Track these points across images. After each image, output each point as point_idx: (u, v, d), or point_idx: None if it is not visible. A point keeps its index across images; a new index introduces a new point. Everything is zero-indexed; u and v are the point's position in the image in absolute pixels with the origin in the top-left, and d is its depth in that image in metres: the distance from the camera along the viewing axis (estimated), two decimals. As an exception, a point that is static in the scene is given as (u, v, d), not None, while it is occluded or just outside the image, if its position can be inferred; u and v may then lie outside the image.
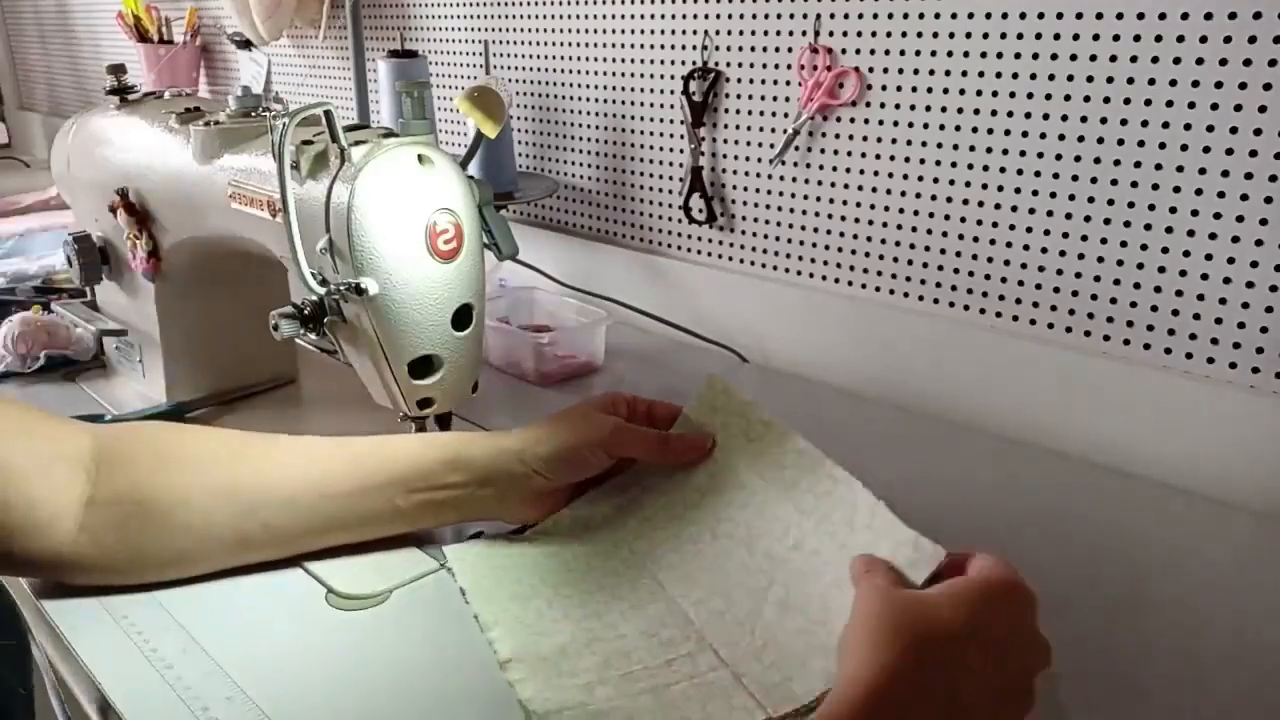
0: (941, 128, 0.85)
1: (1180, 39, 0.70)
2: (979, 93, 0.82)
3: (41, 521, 0.56)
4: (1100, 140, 0.76)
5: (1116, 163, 0.76)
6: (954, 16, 0.82)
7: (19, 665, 0.54)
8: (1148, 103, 0.73)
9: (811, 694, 0.50)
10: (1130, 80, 0.74)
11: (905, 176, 0.88)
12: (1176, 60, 0.71)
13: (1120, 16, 0.73)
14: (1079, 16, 0.75)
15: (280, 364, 0.92)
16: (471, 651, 0.56)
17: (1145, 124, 0.74)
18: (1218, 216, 0.72)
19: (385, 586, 0.61)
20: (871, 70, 0.88)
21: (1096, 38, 0.75)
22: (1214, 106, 0.70)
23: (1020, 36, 0.78)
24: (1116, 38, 0.74)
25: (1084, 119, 0.77)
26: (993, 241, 0.84)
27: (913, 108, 0.86)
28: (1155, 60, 0.72)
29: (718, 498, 0.63)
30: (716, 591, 0.58)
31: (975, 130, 0.83)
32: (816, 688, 0.50)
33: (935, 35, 0.83)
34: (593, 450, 0.63)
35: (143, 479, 0.59)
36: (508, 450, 0.63)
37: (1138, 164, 0.75)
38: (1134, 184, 0.75)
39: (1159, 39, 0.71)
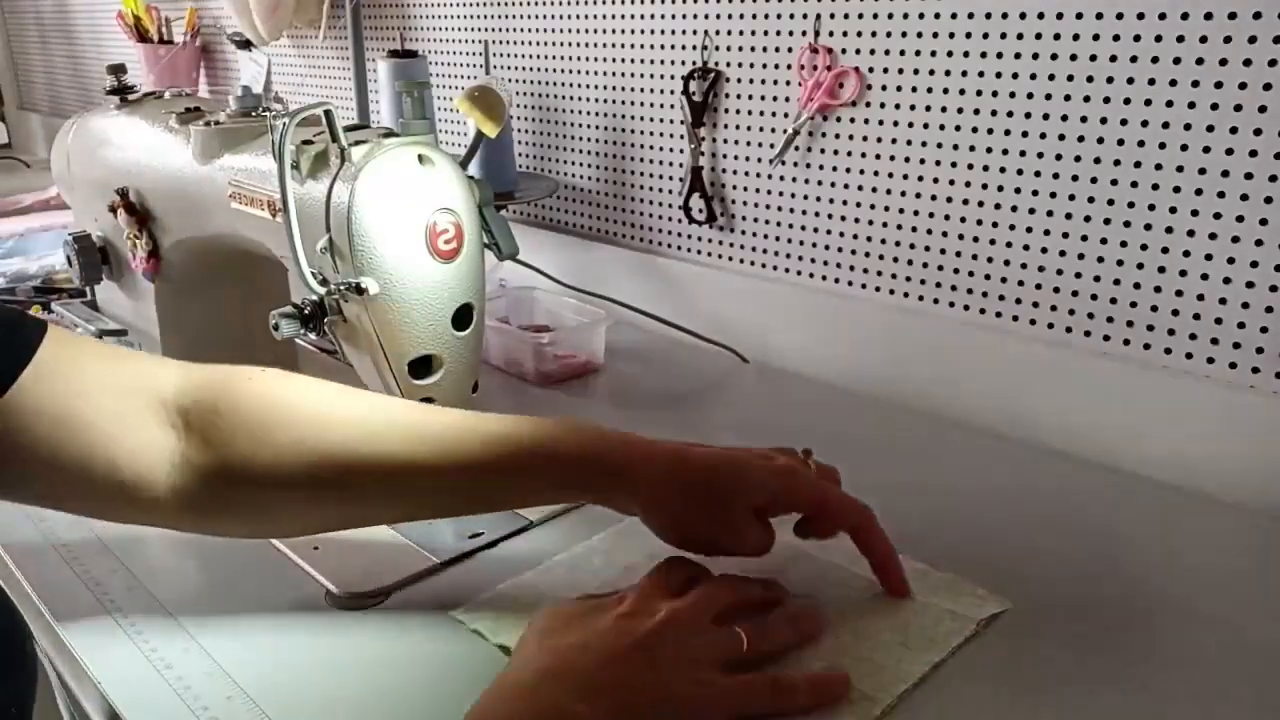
0: (941, 128, 0.85)
1: (1180, 39, 0.70)
2: (979, 93, 0.82)
3: (137, 479, 0.53)
4: (1100, 140, 0.76)
5: (1116, 163, 0.76)
6: (954, 16, 0.82)
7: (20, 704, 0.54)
8: (1148, 103, 0.73)
9: (915, 674, 0.53)
10: (1130, 80, 0.74)
11: (905, 176, 0.88)
12: (1176, 60, 0.71)
13: (1120, 16, 0.73)
14: (1079, 16, 0.75)
15: (280, 364, 0.91)
16: (471, 651, 0.56)
17: (1145, 124, 0.74)
18: (1218, 216, 0.72)
19: (385, 586, 0.61)
20: (871, 70, 0.88)
21: (1096, 38, 0.75)
22: (1214, 106, 0.70)
23: (1020, 36, 0.79)
24: (1116, 38, 0.74)
25: (1084, 119, 0.77)
26: (993, 241, 0.84)
27: (913, 108, 0.86)
28: (1155, 60, 0.72)
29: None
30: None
31: (975, 130, 0.83)
32: (917, 670, 0.53)
33: (935, 35, 0.83)
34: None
35: (237, 453, 0.55)
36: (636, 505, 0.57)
37: (1138, 164, 0.75)
38: (1134, 184, 0.75)
39: (1159, 39, 0.71)
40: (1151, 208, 0.75)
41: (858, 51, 0.89)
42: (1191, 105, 0.71)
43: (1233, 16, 0.68)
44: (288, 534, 0.61)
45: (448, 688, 0.53)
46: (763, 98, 0.97)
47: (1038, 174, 0.80)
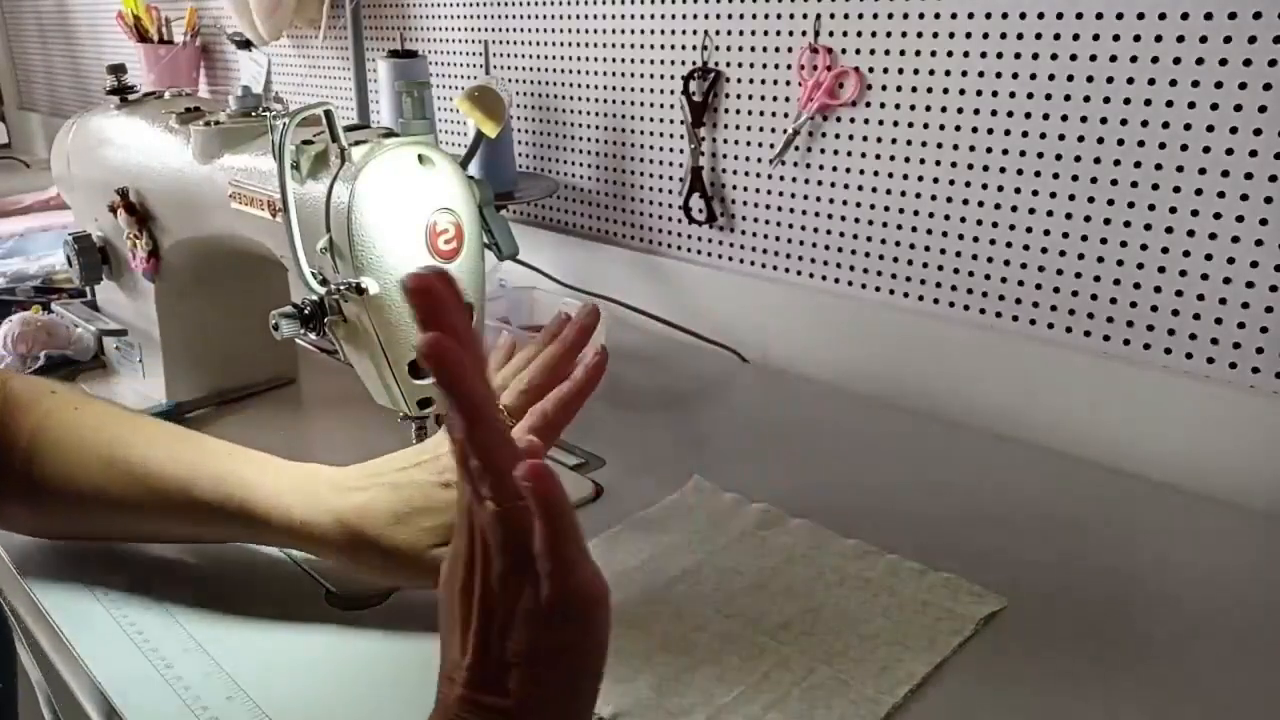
0: (941, 128, 0.85)
1: (1180, 39, 0.70)
2: (979, 93, 0.82)
3: None
4: (1100, 140, 0.76)
5: (1116, 163, 0.76)
6: (954, 16, 0.82)
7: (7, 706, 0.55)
8: (1148, 103, 0.73)
9: (918, 674, 0.53)
10: (1130, 80, 0.74)
11: (905, 176, 0.88)
12: (1176, 60, 0.71)
13: (1120, 16, 0.73)
14: (1079, 16, 0.75)
15: (280, 364, 0.92)
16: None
17: (1145, 124, 0.74)
18: (1218, 216, 0.72)
19: (385, 586, 0.61)
20: (871, 70, 0.88)
21: (1096, 38, 0.75)
22: (1214, 106, 0.70)
23: (1020, 36, 0.79)
24: (1116, 38, 0.74)
25: (1084, 119, 0.77)
26: (993, 241, 0.84)
27: (913, 108, 0.86)
28: (1155, 60, 0.72)
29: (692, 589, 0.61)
30: (763, 618, 0.58)
31: (975, 130, 0.83)
32: (920, 670, 0.53)
33: (935, 35, 0.83)
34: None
35: (36, 471, 0.60)
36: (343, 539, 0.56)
37: (1138, 164, 0.75)
38: (1134, 184, 0.75)
39: (1159, 39, 0.71)
40: (1151, 208, 0.75)
41: (858, 51, 0.89)
42: (1191, 105, 0.71)
43: (1233, 16, 0.68)
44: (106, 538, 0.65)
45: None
46: (763, 98, 0.97)
47: (1038, 174, 0.80)
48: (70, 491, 0.60)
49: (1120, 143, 0.75)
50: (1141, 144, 0.74)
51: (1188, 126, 0.72)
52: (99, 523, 0.62)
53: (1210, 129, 0.71)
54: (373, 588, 0.61)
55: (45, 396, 0.63)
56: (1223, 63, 0.69)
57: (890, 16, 0.86)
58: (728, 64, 0.99)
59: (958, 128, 0.84)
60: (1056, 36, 0.77)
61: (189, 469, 0.59)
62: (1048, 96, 0.78)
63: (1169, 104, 0.72)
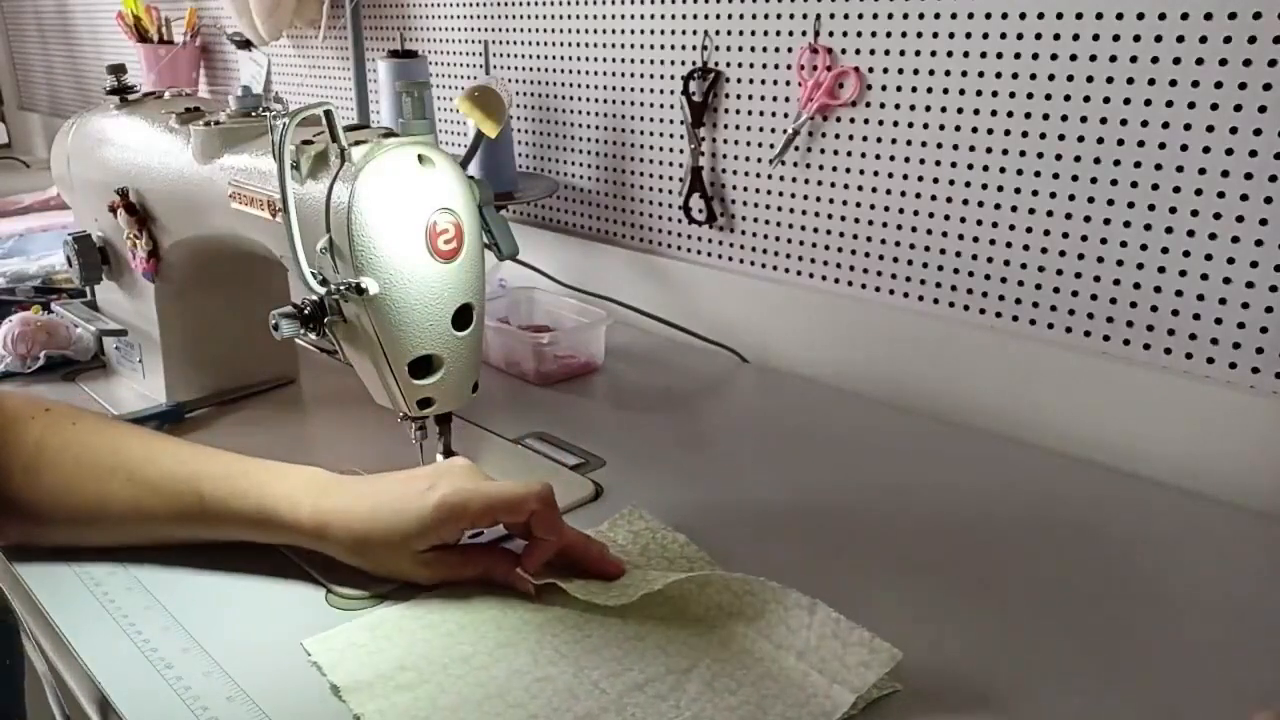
0: (941, 128, 0.85)
1: (1180, 39, 0.70)
2: (979, 93, 0.82)
3: None
4: (1100, 140, 0.76)
5: (1116, 163, 0.76)
6: (954, 16, 0.82)
7: (8, 685, 0.55)
8: (1148, 103, 0.73)
9: None
10: (1130, 80, 0.74)
11: (905, 176, 0.88)
12: (1176, 60, 0.71)
13: (1120, 16, 0.73)
14: (1079, 16, 0.75)
15: (280, 364, 0.92)
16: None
17: (1145, 124, 0.74)
18: (1218, 216, 0.72)
19: (384, 586, 0.61)
20: (871, 70, 0.88)
21: (1096, 38, 0.75)
22: (1214, 106, 0.70)
23: (1020, 36, 0.79)
24: (1116, 38, 0.74)
25: (1084, 119, 0.77)
26: (993, 241, 0.84)
27: (913, 108, 0.86)
28: (1155, 60, 0.72)
29: (623, 594, 0.58)
30: (631, 666, 0.53)
31: (975, 130, 0.83)
32: None
33: (935, 35, 0.83)
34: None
35: (35, 488, 0.62)
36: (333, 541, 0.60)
37: (1138, 164, 0.75)
38: (1134, 184, 0.75)
39: (1159, 39, 0.71)
40: (1151, 208, 0.75)
41: (858, 51, 0.89)
42: (1191, 105, 0.71)
43: (1233, 16, 0.68)
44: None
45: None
46: (763, 98, 0.97)
47: (1038, 174, 0.80)
48: (70, 505, 0.62)
49: (1120, 143, 0.75)
50: (1141, 144, 0.74)
51: (1188, 126, 0.72)
52: (97, 535, 0.63)
53: (1210, 129, 0.71)
54: (374, 588, 0.61)
55: (40, 414, 0.65)
56: (1223, 63, 0.69)
57: (890, 16, 0.86)
58: (728, 64, 0.99)
59: (958, 128, 0.84)
60: (1056, 36, 0.77)
61: (194, 469, 0.62)
62: (1048, 96, 0.78)
63: (1169, 104, 0.72)
